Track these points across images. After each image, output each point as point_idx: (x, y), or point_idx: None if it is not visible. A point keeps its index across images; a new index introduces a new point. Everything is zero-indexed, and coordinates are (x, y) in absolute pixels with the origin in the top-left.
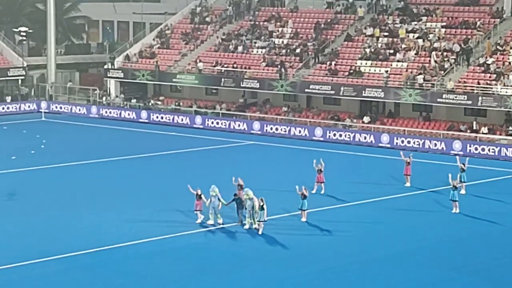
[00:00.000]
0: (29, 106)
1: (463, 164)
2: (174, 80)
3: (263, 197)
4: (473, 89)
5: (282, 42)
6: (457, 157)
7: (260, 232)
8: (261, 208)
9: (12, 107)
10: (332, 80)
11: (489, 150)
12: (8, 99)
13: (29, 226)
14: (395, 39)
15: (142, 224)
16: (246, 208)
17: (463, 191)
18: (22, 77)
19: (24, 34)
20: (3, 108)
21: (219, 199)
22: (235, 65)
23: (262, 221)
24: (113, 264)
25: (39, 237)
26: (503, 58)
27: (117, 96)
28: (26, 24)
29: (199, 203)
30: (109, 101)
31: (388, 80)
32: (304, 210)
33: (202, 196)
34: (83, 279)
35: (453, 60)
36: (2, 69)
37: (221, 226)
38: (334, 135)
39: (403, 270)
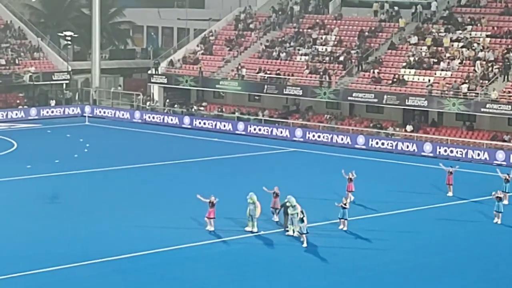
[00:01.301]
0: (73, 110)
1: (507, 174)
2: (217, 86)
3: (303, 210)
4: None
5: (326, 49)
6: (498, 169)
7: (304, 245)
8: (301, 220)
9: (56, 111)
10: (375, 88)
11: None
12: (53, 103)
13: (70, 230)
14: (439, 48)
15: (182, 229)
16: (288, 215)
17: (505, 202)
18: (67, 81)
19: (69, 38)
20: (47, 112)
21: (255, 207)
22: (278, 72)
23: (304, 233)
24: (152, 269)
25: (80, 240)
26: None
27: (156, 101)
28: (71, 29)
29: (212, 211)
30: (153, 106)
31: (432, 89)
32: (345, 219)
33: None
34: (122, 283)
35: (497, 70)
36: (47, 73)
37: (258, 233)
38: (377, 143)
39: (443, 279)
